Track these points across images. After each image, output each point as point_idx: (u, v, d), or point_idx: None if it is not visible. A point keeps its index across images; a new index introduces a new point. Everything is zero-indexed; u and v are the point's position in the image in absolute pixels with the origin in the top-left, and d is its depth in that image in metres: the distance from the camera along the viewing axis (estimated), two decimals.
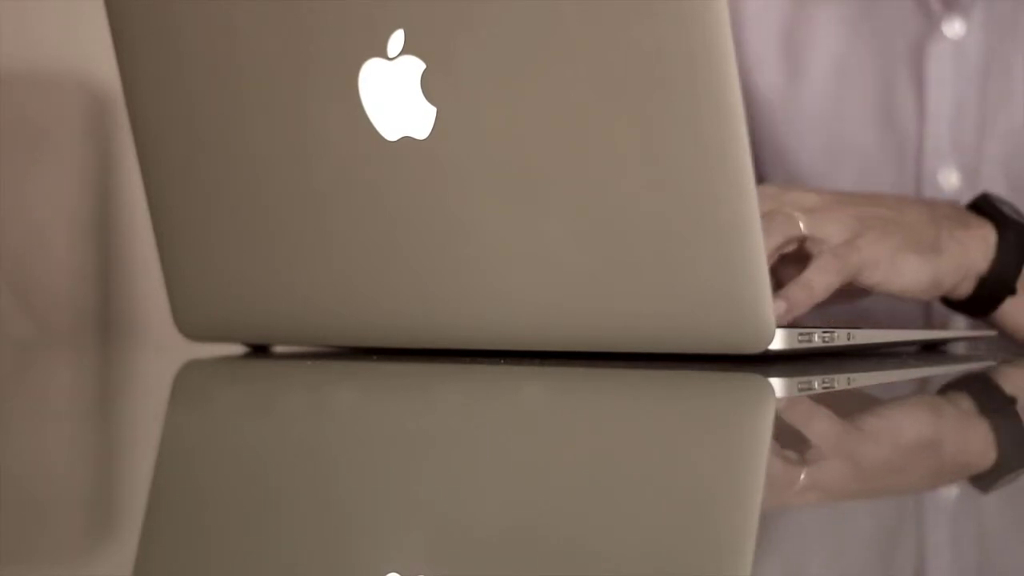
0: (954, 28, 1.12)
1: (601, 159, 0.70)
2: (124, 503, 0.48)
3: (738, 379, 0.71)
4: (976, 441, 0.59)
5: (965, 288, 0.89)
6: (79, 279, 1.76)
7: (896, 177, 1.14)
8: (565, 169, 0.71)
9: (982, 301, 0.89)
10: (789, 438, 0.58)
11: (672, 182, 0.69)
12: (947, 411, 0.68)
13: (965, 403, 0.72)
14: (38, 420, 0.68)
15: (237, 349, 0.88)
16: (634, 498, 0.45)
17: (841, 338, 0.76)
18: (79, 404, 0.76)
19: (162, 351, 1.19)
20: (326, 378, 0.79)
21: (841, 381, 0.74)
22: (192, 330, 0.87)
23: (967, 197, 0.99)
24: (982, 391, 0.78)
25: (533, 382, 0.73)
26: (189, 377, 0.85)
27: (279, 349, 0.88)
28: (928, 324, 1.09)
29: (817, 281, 0.79)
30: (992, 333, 0.92)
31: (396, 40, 0.74)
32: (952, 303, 0.91)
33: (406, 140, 0.75)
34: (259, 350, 0.88)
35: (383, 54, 0.75)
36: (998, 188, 1.09)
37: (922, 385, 0.79)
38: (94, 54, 1.65)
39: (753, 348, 0.70)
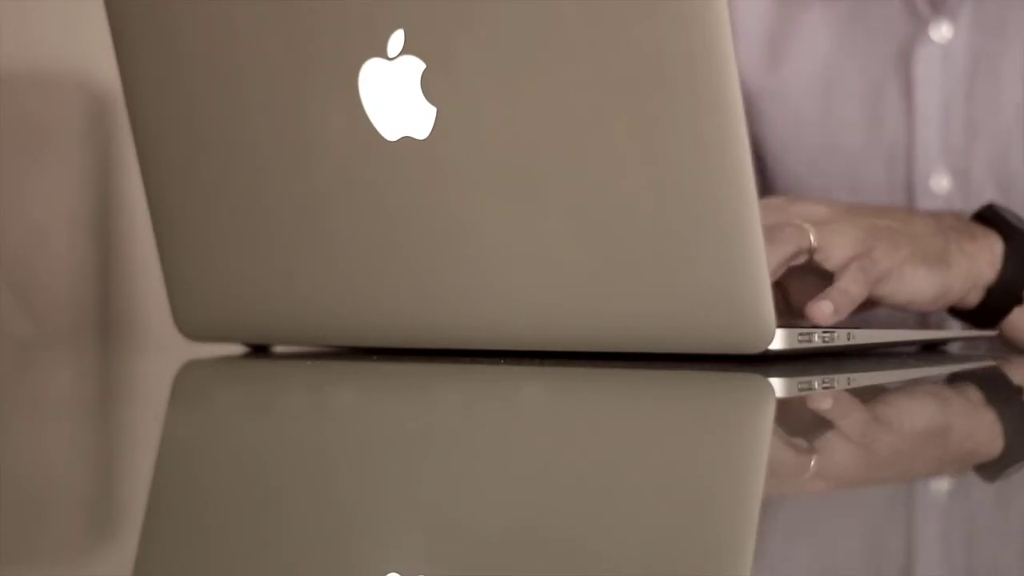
0: (941, 31, 1.11)
1: (601, 159, 0.70)
2: (124, 503, 0.48)
3: (738, 379, 0.71)
4: (982, 432, 0.59)
5: (973, 298, 0.89)
6: (79, 279, 1.77)
7: (886, 180, 1.14)
8: (565, 169, 0.71)
9: (990, 311, 0.90)
10: (789, 438, 0.58)
11: (672, 182, 0.69)
12: (953, 402, 0.69)
13: (964, 401, 0.72)
14: (38, 420, 0.68)
15: (237, 349, 0.88)
16: (634, 498, 0.45)
17: (841, 338, 0.76)
18: (79, 404, 0.76)
19: (162, 351, 1.19)
20: (326, 378, 0.79)
21: (841, 381, 0.74)
22: (192, 330, 0.87)
23: (958, 200, 0.99)
24: (984, 385, 0.78)
25: (533, 382, 0.73)
26: (189, 377, 0.85)
27: (279, 349, 0.88)
28: (927, 324, 1.09)
29: (853, 290, 0.80)
30: (991, 333, 0.92)
31: (396, 40, 0.74)
32: (959, 313, 0.91)
33: (406, 140, 0.75)
34: (259, 350, 0.88)
35: (383, 54, 0.75)
36: (987, 190, 1.09)
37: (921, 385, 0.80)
38: (94, 54, 1.65)
39: (753, 348, 0.70)
